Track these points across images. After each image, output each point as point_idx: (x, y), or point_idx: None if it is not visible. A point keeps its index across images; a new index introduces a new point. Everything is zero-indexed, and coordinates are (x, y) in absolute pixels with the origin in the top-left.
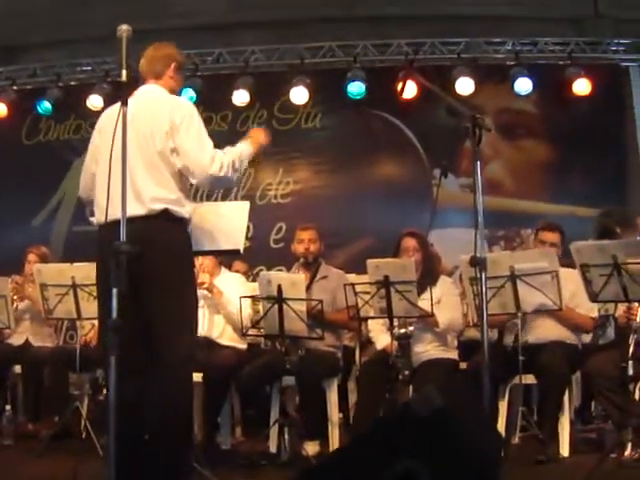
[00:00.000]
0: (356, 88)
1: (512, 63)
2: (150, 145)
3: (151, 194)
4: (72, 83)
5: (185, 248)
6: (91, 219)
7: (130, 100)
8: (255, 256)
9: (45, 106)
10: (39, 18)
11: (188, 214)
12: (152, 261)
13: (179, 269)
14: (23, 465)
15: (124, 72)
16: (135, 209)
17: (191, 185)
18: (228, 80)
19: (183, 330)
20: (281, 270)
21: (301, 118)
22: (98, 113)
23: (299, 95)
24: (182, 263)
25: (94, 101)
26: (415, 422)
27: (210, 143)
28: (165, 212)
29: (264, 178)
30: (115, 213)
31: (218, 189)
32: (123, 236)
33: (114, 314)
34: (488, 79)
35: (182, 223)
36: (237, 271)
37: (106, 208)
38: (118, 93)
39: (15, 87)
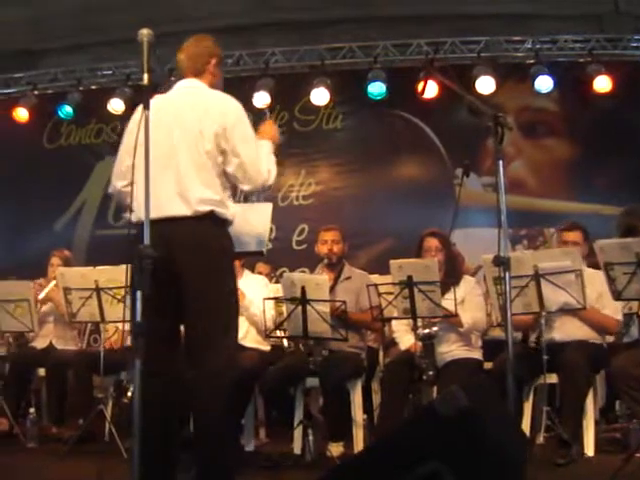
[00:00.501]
0: (377, 88)
1: (532, 61)
2: (199, 144)
3: (198, 195)
4: (93, 87)
5: (230, 251)
6: (126, 215)
7: (172, 95)
8: (278, 258)
9: (66, 110)
10: (59, 23)
11: (232, 216)
12: (197, 264)
13: (224, 273)
14: (47, 468)
15: (146, 76)
16: (181, 209)
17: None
18: (248, 82)
19: (227, 333)
20: (304, 271)
21: (322, 119)
22: (119, 117)
23: (320, 96)
24: (227, 267)
25: (115, 105)
26: (441, 422)
27: (261, 146)
28: (211, 214)
29: (286, 180)
30: (161, 212)
31: (262, 194)
32: (147, 239)
33: (138, 317)
34: (508, 78)
35: (226, 225)
36: (260, 273)
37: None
38: (139, 97)
39: (36, 92)
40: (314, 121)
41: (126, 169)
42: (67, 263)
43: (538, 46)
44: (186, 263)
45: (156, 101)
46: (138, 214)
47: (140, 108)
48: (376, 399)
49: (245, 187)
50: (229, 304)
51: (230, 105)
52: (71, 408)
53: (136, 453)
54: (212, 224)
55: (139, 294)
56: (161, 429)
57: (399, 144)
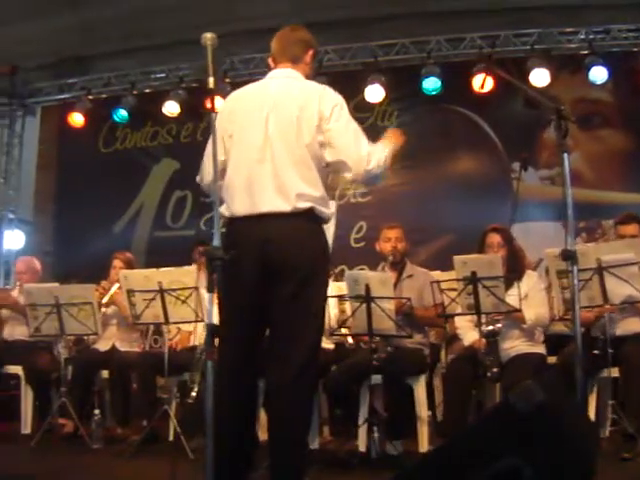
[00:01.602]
0: (431, 84)
1: (586, 52)
2: (298, 137)
3: (297, 190)
4: (146, 91)
5: (327, 251)
6: (220, 209)
7: (266, 82)
8: (336, 256)
9: (121, 114)
10: (109, 28)
11: (331, 215)
12: (296, 264)
13: (322, 274)
14: (114, 468)
15: (211, 79)
16: (279, 205)
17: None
18: None
19: (318, 332)
20: (362, 269)
21: (377, 116)
22: (174, 119)
23: (374, 93)
24: (325, 267)
25: (170, 107)
26: (517, 418)
27: (363, 135)
28: (310, 211)
29: (343, 177)
30: (257, 208)
31: (369, 185)
32: (218, 240)
33: (213, 318)
34: (563, 69)
35: (323, 223)
36: None
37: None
38: (197, 99)
39: (90, 97)
40: (369, 118)
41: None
42: (129, 265)
43: (592, 37)
44: (283, 262)
45: (247, 90)
46: (231, 209)
47: (230, 97)
48: (438, 395)
49: (347, 175)
50: (323, 304)
51: (328, 94)
52: (135, 409)
53: (210, 453)
54: (311, 222)
55: (211, 295)
56: (236, 429)
57: (455, 139)
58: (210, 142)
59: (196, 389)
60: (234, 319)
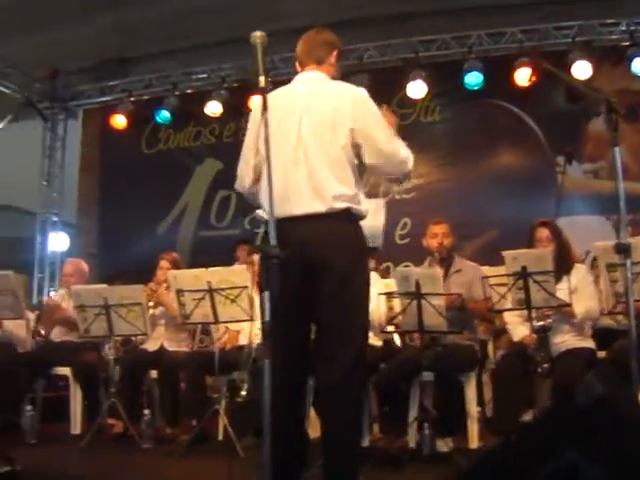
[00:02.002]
0: (474, 79)
1: (628, 44)
2: (332, 139)
3: (334, 191)
4: (188, 91)
5: (366, 249)
6: (258, 212)
7: (295, 85)
8: (381, 252)
9: (164, 115)
10: (150, 30)
11: (366, 212)
12: (335, 264)
13: (362, 272)
14: (164, 469)
15: (262, 78)
16: (315, 206)
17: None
18: (344, 78)
19: (362, 330)
20: (407, 265)
21: (420, 112)
22: (217, 119)
23: (417, 89)
24: (364, 265)
25: (213, 108)
26: (578, 412)
27: (394, 134)
28: (347, 211)
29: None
30: (293, 210)
31: (400, 183)
32: (273, 238)
33: (267, 316)
34: (604, 61)
35: (359, 221)
36: None
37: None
38: (239, 98)
39: (132, 98)
40: (412, 114)
41: (252, 168)
42: (175, 265)
43: (633, 28)
44: (322, 263)
45: (278, 93)
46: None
47: (259, 107)
48: (487, 391)
49: (390, 177)
50: (365, 302)
51: (359, 95)
52: (184, 409)
53: (268, 453)
54: (348, 221)
55: (267, 294)
56: (287, 427)
57: (498, 133)
58: (245, 147)
59: (245, 388)
60: (282, 318)
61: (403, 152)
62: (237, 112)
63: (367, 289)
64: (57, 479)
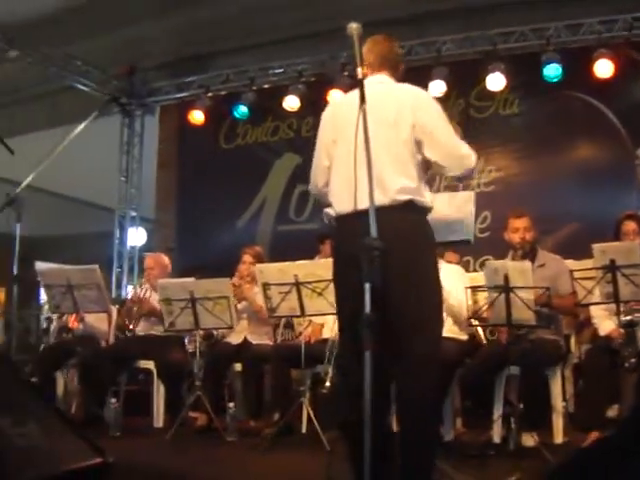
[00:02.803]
0: (552, 71)
1: None
2: (395, 134)
3: (396, 185)
4: (265, 86)
5: (433, 239)
6: (327, 210)
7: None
8: (461, 246)
9: (242, 110)
10: (225, 26)
11: (430, 204)
12: (401, 254)
13: (429, 262)
14: (250, 461)
15: (360, 69)
16: (378, 199)
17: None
18: (422, 72)
19: (433, 322)
20: (488, 259)
21: (498, 105)
22: (294, 114)
23: (495, 82)
24: (432, 256)
25: (290, 102)
26: None
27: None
28: (410, 203)
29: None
30: (357, 205)
31: (463, 181)
32: (374, 231)
33: (368, 309)
34: None
35: (425, 213)
36: (449, 262)
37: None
38: (316, 92)
39: (209, 94)
40: (490, 107)
41: (325, 170)
42: (259, 259)
43: None
44: (390, 254)
45: (346, 96)
46: (337, 208)
47: (330, 109)
48: (568, 386)
49: (450, 173)
50: (435, 292)
51: (421, 94)
52: (268, 402)
53: (367, 446)
54: (412, 213)
55: (367, 286)
56: (378, 420)
57: (577, 126)
58: (317, 149)
59: (329, 380)
60: (358, 312)
61: (464, 149)
62: (315, 106)
63: (434, 280)
64: (145, 471)
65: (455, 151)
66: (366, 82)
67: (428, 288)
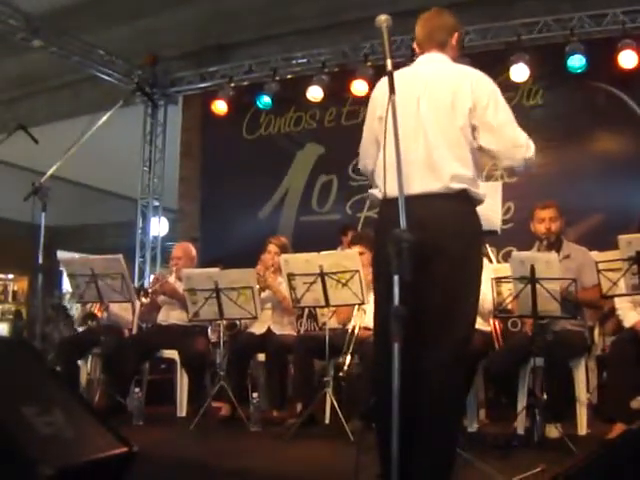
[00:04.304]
0: (577, 62)
1: None
2: (452, 119)
3: (451, 171)
4: (288, 76)
5: (482, 233)
6: (372, 191)
7: (416, 67)
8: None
9: (264, 101)
10: (248, 16)
11: (483, 196)
12: (453, 247)
13: (477, 256)
14: (274, 451)
15: (389, 61)
16: (430, 184)
17: None
18: None
19: (468, 316)
20: (511, 250)
21: (522, 96)
22: (317, 104)
23: (519, 72)
24: (480, 250)
25: (314, 92)
26: None
27: (516, 123)
28: (464, 192)
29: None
30: (409, 188)
31: (521, 173)
32: (403, 223)
33: (396, 301)
34: None
35: (476, 205)
36: None
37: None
38: (339, 83)
39: (232, 84)
40: (514, 98)
41: (374, 150)
42: (284, 249)
43: None
44: (435, 245)
45: (398, 75)
46: (384, 191)
47: (380, 88)
48: (592, 377)
49: (505, 163)
50: (475, 288)
51: (482, 78)
52: (292, 392)
53: (395, 438)
54: (465, 203)
55: (396, 278)
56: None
57: (601, 117)
58: (366, 128)
59: (352, 371)
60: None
61: (521, 138)
62: (338, 97)
63: (478, 275)
64: (170, 461)
65: (513, 140)
66: (420, 60)
67: (472, 286)
